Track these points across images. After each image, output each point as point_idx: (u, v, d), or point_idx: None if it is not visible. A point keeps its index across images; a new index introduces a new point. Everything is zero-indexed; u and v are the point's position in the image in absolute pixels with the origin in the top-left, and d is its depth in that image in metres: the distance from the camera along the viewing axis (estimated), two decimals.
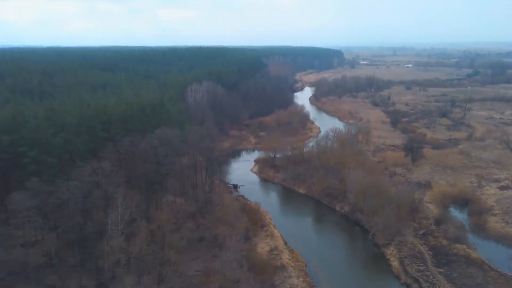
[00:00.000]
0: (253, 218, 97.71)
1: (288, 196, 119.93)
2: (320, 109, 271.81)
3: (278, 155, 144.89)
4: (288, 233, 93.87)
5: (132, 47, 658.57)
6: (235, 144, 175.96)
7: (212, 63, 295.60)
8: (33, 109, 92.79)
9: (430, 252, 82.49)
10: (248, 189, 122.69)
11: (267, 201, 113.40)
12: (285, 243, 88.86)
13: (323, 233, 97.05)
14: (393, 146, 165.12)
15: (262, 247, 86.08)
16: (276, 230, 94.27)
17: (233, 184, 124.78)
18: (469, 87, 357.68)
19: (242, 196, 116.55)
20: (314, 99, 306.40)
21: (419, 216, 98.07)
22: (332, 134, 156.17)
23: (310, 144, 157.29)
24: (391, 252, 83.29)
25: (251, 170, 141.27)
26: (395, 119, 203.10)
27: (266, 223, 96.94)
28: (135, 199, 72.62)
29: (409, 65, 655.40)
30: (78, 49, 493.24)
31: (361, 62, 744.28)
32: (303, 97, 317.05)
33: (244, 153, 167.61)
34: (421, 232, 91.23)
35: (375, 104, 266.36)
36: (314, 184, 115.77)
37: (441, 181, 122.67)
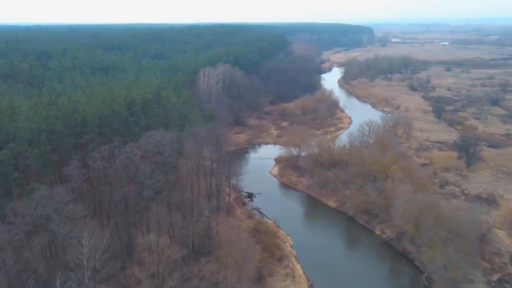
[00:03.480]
0: (269, 245, 76.17)
1: (315, 210, 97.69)
2: (350, 93, 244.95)
3: (302, 153, 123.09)
4: (315, 269, 72.23)
5: (150, 24, 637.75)
6: (253, 136, 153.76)
7: (231, 41, 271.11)
8: None
9: None
10: (266, 198, 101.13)
11: (288, 218, 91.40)
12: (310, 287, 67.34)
13: (359, 269, 74.51)
14: (440, 142, 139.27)
15: None
16: (298, 266, 72.62)
17: (247, 193, 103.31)
18: None
19: (258, 209, 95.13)
20: (343, 82, 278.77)
21: (489, 251, 74.28)
22: (367, 128, 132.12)
23: (341, 138, 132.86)
24: None
25: (270, 173, 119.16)
26: (439, 107, 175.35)
27: (286, 254, 75.29)
28: (105, 240, 51.99)
29: (445, 43, 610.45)
30: (91, 26, 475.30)
31: (393, 40, 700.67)
32: (331, 79, 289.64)
33: (263, 148, 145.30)
34: (495, 277, 67.76)
35: (413, 89, 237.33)
36: (348, 198, 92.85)
37: (508, 194, 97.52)
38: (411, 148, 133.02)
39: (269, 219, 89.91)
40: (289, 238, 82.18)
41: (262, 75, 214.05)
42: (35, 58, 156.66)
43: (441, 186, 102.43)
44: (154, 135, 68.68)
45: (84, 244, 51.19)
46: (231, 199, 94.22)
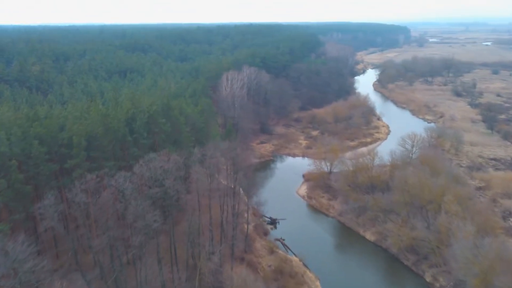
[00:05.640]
0: None
1: (349, 243, 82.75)
2: (387, 98, 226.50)
3: (334, 169, 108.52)
4: None
5: (178, 24, 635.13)
6: (280, 147, 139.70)
7: (260, 42, 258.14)
8: None
9: None
10: (291, 225, 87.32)
11: (317, 252, 77.04)
12: None
13: None
14: (495, 160, 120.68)
15: None
16: None
17: (270, 219, 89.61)
18: None
19: (282, 241, 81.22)
20: (379, 85, 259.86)
21: None
22: (410, 142, 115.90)
23: (378, 151, 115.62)
24: None
25: (297, 192, 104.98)
26: (490, 117, 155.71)
27: None
28: None
29: (488, 43, 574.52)
30: (121, 27, 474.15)
31: (430, 40, 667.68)
32: (365, 82, 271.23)
33: (290, 161, 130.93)
34: None
35: (457, 94, 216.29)
36: (390, 231, 77.35)
37: None
38: (461, 166, 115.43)
39: (295, 255, 75.93)
40: (318, 283, 67.77)
41: (292, 78, 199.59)
42: (51, 60, 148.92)
43: (504, 218, 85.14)
44: (154, 158, 55.96)
45: None
46: (251, 227, 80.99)
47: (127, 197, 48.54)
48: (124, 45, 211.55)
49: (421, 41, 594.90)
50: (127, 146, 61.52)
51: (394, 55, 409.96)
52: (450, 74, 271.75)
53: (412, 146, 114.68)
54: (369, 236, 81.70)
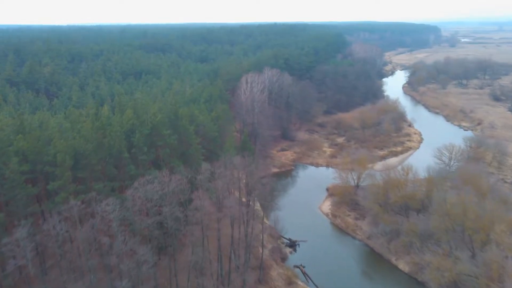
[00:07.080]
0: None
1: (378, 273, 72.20)
2: (418, 102, 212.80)
3: (362, 182, 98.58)
4: None
5: (202, 23, 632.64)
6: (302, 155, 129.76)
7: (283, 42, 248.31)
8: None
9: None
10: (312, 248, 77.82)
11: (341, 284, 67.30)
12: None
13: None
14: None
15: None
16: None
17: (289, 240, 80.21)
18: None
19: (301, 268, 71.79)
20: (409, 88, 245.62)
21: None
22: (447, 154, 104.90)
23: (410, 162, 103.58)
24: None
25: (320, 208, 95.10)
26: None
27: None
28: None
29: None
30: (145, 26, 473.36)
31: (462, 40, 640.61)
32: (394, 84, 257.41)
33: (313, 171, 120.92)
34: None
35: (496, 98, 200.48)
36: (428, 263, 66.65)
37: None
38: (506, 182, 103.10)
39: (317, 287, 66.38)
40: None
41: (316, 80, 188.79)
42: (66, 61, 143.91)
43: None
44: (152, 181, 47.61)
45: None
46: (266, 252, 71.91)
47: (114, 229, 40.30)
48: (143, 45, 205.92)
49: (452, 41, 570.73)
50: (123, 164, 53.40)
51: (424, 56, 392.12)
52: (487, 77, 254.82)
53: (450, 159, 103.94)
54: (403, 266, 71.19)
